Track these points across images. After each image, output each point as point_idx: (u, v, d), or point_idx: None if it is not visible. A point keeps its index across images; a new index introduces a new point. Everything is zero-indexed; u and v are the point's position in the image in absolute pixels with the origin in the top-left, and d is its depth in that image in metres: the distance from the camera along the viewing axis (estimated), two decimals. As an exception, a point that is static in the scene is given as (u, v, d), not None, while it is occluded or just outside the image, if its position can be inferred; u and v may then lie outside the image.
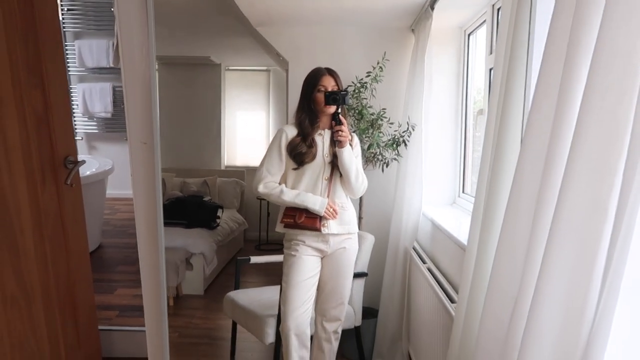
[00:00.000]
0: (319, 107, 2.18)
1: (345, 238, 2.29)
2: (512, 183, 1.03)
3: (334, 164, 2.22)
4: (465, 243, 2.05)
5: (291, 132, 2.23)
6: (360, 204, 3.16)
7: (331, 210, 2.20)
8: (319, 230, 2.19)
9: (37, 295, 2.05)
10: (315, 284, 2.29)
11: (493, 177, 1.22)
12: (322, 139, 2.23)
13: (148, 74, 1.28)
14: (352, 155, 2.20)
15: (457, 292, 2.18)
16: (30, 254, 2.00)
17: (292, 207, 2.21)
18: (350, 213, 2.31)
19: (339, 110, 2.15)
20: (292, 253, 2.25)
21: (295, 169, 2.22)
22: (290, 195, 2.19)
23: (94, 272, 2.45)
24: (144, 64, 1.25)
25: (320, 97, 2.17)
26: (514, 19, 1.24)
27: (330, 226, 2.23)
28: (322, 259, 2.31)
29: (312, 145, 2.18)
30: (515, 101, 1.20)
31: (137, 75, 1.25)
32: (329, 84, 2.18)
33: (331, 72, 2.23)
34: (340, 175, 2.23)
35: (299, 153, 2.17)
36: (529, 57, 1.20)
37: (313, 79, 2.21)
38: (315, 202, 2.18)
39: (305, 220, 2.18)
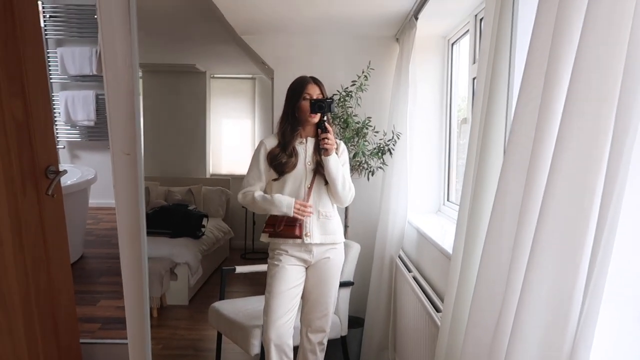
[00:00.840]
0: (304, 116, 2.18)
1: (329, 248, 2.27)
2: (496, 191, 1.04)
3: (317, 172, 2.20)
4: (451, 251, 2.06)
5: (270, 143, 2.24)
6: (345, 212, 3.16)
7: (301, 208, 2.16)
8: (298, 238, 2.18)
9: (16, 307, 2.01)
10: (299, 295, 2.27)
11: (477, 186, 1.22)
12: (305, 147, 2.23)
13: (131, 83, 1.27)
14: (338, 163, 2.18)
15: (442, 301, 2.18)
16: (10, 265, 1.96)
17: (273, 215, 2.20)
18: (335, 222, 2.29)
19: (325, 118, 2.15)
20: (275, 263, 2.23)
21: (275, 179, 2.22)
22: (259, 201, 2.19)
23: (76, 283, 2.41)
24: (127, 73, 1.24)
25: (306, 105, 2.16)
26: (496, 28, 1.25)
27: (313, 235, 2.22)
28: (306, 269, 2.29)
29: (292, 154, 2.18)
30: (498, 110, 1.21)
31: (120, 85, 1.24)
32: (314, 92, 2.19)
33: (316, 81, 2.24)
34: (326, 183, 2.21)
35: (278, 163, 2.18)
36: (511, 67, 1.22)
37: (298, 87, 2.20)
38: (281, 204, 2.15)
39: (285, 228, 2.17)
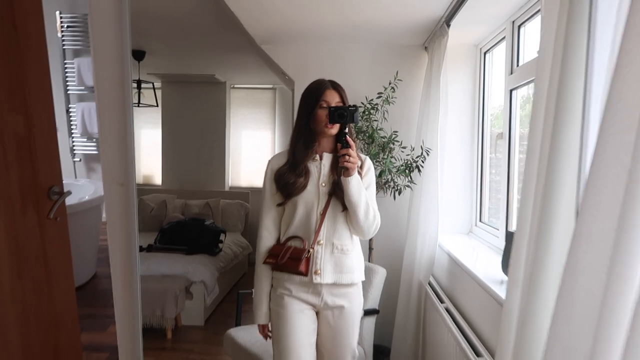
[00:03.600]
0: (320, 127, 1.79)
1: (344, 291, 1.84)
2: (574, 237, 0.82)
3: (333, 195, 1.81)
4: (493, 287, 1.83)
5: (278, 161, 1.88)
6: (370, 233, 2.95)
7: (261, 333, 1.93)
8: (303, 274, 1.78)
9: (13, 339, 1.85)
10: (313, 344, 1.88)
11: (542, 225, 1.00)
12: (319, 164, 1.84)
13: (125, 106, 1.10)
14: (360, 185, 1.77)
15: (482, 342, 1.95)
16: (6, 294, 1.80)
17: (279, 244, 1.87)
18: (353, 258, 1.86)
19: (346, 130, 1.75)
20: (278, 308, 1.84)
21: (280, 204, 1.85)
22: (256, 274, 1.90)
23: (86, 306, 2.25)
24: (120, 96, 1.07)
25: (323, 114, 1.77)
26: (564, 22, 1.02)
27: (325, 273, 1.80)
28: (317, 312, 1.89)
29: (302, 173, 1.80)
30: (569, 121, 0.97)
31: (113, 108, 1.07)
32: (332, 99, 1.80)
33: (335, 86, 1.85)
34: (344, 209, 1.81)
35: (285, 184, 1.80)
36: (588, 74, 0.98)
37: (314, 94, 1.81)
38: (255, 307, 1.88)
39: (289, 262, 1.78)
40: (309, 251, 1.78)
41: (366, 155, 2.87)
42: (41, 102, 1.87)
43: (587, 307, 0.79)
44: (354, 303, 1.88)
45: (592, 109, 0.96)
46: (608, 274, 0.74)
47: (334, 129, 1.78)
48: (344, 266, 1.83)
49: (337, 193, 1.80)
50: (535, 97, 1.12)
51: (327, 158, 1.85)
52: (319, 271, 1.80)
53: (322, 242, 1.81)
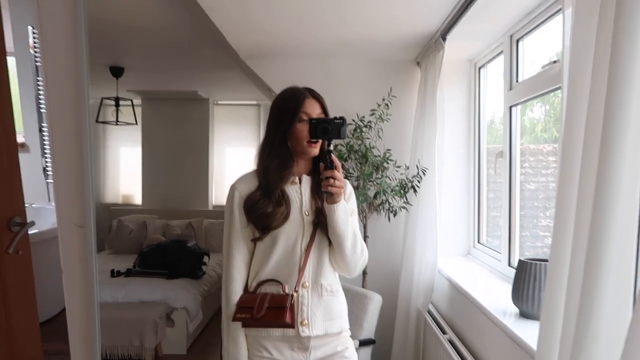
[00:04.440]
0: (300, 146, 1.48)
1: (334, 342, 1.53)
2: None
3: (319, 226, 1.50)
4: (504, 322, 1.68)
5: (247, 186, 1.51)
6: (363, 257, 2.78)
7: None
8: (290, 327, 1.43)
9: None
10: None
11: (592, 257, 0.83)
12: (299, 189, 1.52)
13: (82, 136, 0.93)
14: (347, 213, 1.47)
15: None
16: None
17: (249, 293, 1.49)
18: (342, 300, 1.57)
19: (331, 148, 1.44)
20: None
21: (256, 239, 1.50)
22: (224, 329, 1.50)
23: (56, 340, 2.02)
24: (77, 125, 0.91)
25: (304, 129, 1.46)
26: (609, 17, 0.88)
27: (313, 323, 1.47)
28: None
29: (281, 201, 1.47)
30: (624, 140, 0.82)
31: (67, 138, 0.90)
32: (313, 110, 1.49)
33: (315, 95, 1.53)
34: (331, 242, 1.51)
35: (260, 215, 1.45)
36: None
37: (291, 105, 1.49)
38: None
39: (268, 314, 1.40)
40: (292, 296, 1.44)
41: (355, 175, 2.73)
42: (1, 124, 1.68)
43: None
44: (349, 350, 1.55)
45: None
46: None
47: (317, 148, 1.48)
48: (334, 312, 1.52)
49: (323, 223, 1.48)
50: (569, 107, 0.98)
51: (306, 181, 1.54)
52: (306, 321, 1.46)
53: (307, 284, 1.49)
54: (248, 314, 1.41)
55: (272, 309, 1.41)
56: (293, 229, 1.48)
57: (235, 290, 1.49)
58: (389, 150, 2.79)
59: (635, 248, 0.86)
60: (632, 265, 0.85)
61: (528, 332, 1.52)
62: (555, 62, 1.92)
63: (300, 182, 1.53)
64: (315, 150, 1.49)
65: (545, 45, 2.21)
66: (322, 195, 1.46)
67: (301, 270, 1.47)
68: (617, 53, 0.87)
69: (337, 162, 1.42)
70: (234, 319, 1.44)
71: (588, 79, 0.95)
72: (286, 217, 1.47)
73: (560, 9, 1.87)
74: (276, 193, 1.47)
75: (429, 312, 2.53)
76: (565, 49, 1.24)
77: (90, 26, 3.17)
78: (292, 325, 1.42)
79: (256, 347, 1.49)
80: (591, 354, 0.84)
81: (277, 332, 1.46)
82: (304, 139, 1.47)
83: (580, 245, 0.90)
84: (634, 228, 0.85)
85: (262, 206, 1.45)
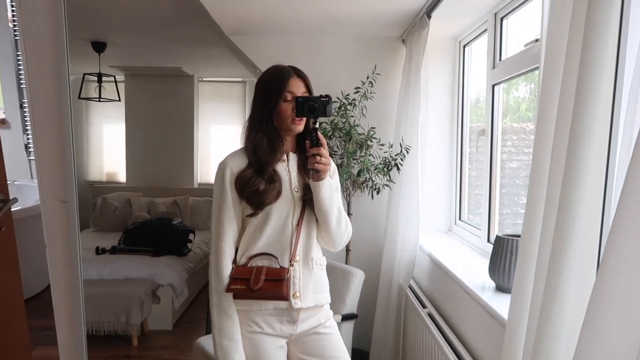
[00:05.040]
0: (285, 124, 1.51)
1: (318, 314, 1.59)
2: (606, 254, 0.70)
3: (307, 202, 1.55)
4: (480, 295, 1.73)
5: (237, 163, 1.54)
6: (347, 234, 2.82)
7: None
8: (284, 299, 1.48)
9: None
10: None
11: (560, 232, 0.86)
12: (287, 166, 1.57)
13: (63, 111, 0.92)
14: (332, 190, 1.52)
15: (468, 351, 1.85)
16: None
17: (244, 260, 1.52)
18: (326, 274, 1.65)
19: (317, 126, 1.47)
20: (250, 355, 1.51)
21: (251, 215, 1.52)
22: (214, 314, 1.50)
23: (42, 317, 2.04)
24: (57, 99, 0.90)
25: (289, 108, 1.50)
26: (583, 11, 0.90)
27: (305, 295, 1.53)
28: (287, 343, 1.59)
29: (273, 178, 1.51)
30: (594, 122, 0.84)
31: (49, 115, 0.90)
32: (298, 89, 1.51)
33: (299, 73, 1.55)
34: (317, 219, 1.56)
35: (254, 191, 1.48)
36: (620, 57, 0.86)
37: (276, 83, 1.51)
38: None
39: (265, 285, 1.45)
40: (288, 270, 1.50)
41: (341, 153, 2.75)
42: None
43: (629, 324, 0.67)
44: (330, 321, 1.62)
45: (626, 98, 0.84)
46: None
47: (301, 125, 1.53)
48: (323, 284, 1.60)
49: (311, 200, 1.53)
50: (543, 87, 1.00)
51: (293, 159, 1.58)
52: (298, 294, 1.52)
53: (298, 258, 1.54)
54: (244, 285, 1.45)
55: (270, 281, 1.45)
56: (285, 206, 1.53)
57: (226, 265, 1.51)
58: (373, 128, 2.81)
59: (600, 225, 0.89)
60: (596, 241, 0.89)
61: (502, 305, 1.57)
62: (537, 40, 1.93)
63: (287, 160, 1.57)
64: (300, 127, 1.53)
65: (529, 24, 2.22)
66: (308, 172, 1.50)
67: (294, 245, 1.52)
68: (590, 33, 0.89)
69: (323, 140, 1.46)
70: (228, 290, 1.47)
71: (562, 60, 0.97)
72: (279, 193, 1.51)
73: (542, -12, 1.88)
74: (268, 171, 1.51)
75: (410, 287, 2.59)
76: (543, 29, 1.26)
77: (70, 0, 3.10)
78: (287, 297, 1.47)
79: (247, 322, 1.51)
80: (557, 322, 0.88)
81: (269, 305, 1.50)
82: (288, 117, 1.50)
83: (550, 221, 0.94)
84: (599, 205, 0.89)
85: (255, 183, 1.48)
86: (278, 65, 1.57)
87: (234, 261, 1.54)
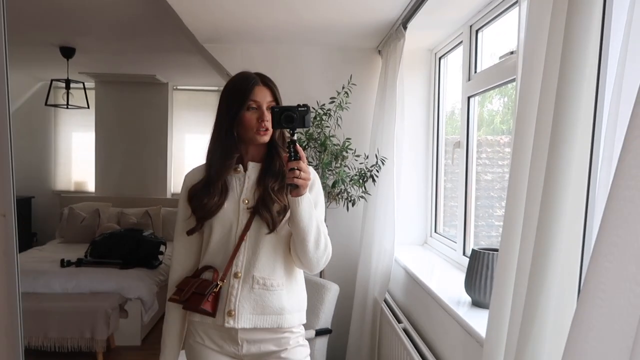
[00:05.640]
0: (250, 134, 1.43)
1: (271, 337, 1.45)
2: (589, 272, 0.66)
3: (257, 214, 1.44)
4: (457, 311, 1.69)
5: (193, 177, 1.51)
6: (322, 246, 2.76)
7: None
8: (209, 314, 1.41)
9: None
10: None
11: (539, 246, 0.82)
12: (243, 177, 1.48)
13: (1, 118, 0.85)
14: (312, 207, 1.39)
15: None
16: None
17: (188, 277, 1.50)
18: (283, 296, 1.46)
19: (295, 138, 1.35)
20: (191, 343, 1.51)
21: (191, 231, 1.47)
22: (163, 327, 1.55)
23: None
24: None
25: (252, 117, 1.42)
26: (562, 9, 0.87)
27: (240, 315, 1.42)
28: None
29: (217, 192, 1.44)
30: (575, 131, 0.81)
31: None
32: (263, 98, 1.43)
33: (266, 81, 1.47)
34: (270, 230, 1.43)
35: (196, 206, 1.45)
36: (602, 66, 0.83)
37: (240, 92, 1.43)
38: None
39: (191, 297, 1.41)
40: (217, 284, 1.41)
41: (316, 164, 2.70)
42: None
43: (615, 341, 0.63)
44: (291, 351, 1.46)
45: (607, 109, 0.81)
46: None
47: (267, 136, 1.43)
48: (268, 306, 1.43)
49: (261, 211, 1.42)
50: (521, 99, 0.97)
51: (253, 168, 1.48)
52: (233, 312, 1.41)
53: (239, 274, 1.43)
54: (177, 296, 1.45)
55: (195, 294, 1.41)
56: (228, 218, 1.45)
57: (174, 279, 1.53)
58: (349, 139, 2.77)
59: (582, 240, 0.86)
60: (578, 256, 0.85)
61: (479, 321, 1.53)
62: (512, 53, 1.93)
63: (246, 170, 1.49)
64: (265, 137, 1.44)
65: (504, 37, 2.23)
66: (268, 183, 1.43)
67: (231, 258, 1.44)
68: (569, 47, 0.86)
69: (302, 153, 1.35)
70: (169, 299, 1.49)
71: (540, 71, 0.94)
72: (218, 207, 1.44)
73: (517, 1, 1.88)
74: (218, 184, 1.44)
75: (386, 301, 2.55)
76: (520, 41, 1.24)
77: (38, 3, 2.98)
78: (211, 313, 1.40)
79: (192, 330, 1.50)
80: (537, 342, 0.84)
81: (208, 319, 1.44)
82: (253, 127, 1.42)
83: (529, 236, 0.90)
84: (580, 220, 0.85)
85: (199, 197, 1.45)
86: (244, 72, 1.49)
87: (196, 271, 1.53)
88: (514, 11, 2.06)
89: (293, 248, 1.45)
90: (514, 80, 1.92)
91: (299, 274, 1.55)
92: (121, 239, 4.22)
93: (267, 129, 1.42)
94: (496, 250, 1.68)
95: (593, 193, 0.88)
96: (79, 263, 3.98)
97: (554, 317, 0.84)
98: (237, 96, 1.43)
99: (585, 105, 0.83)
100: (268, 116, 1.41)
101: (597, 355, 0.66)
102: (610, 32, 0.87)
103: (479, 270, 1.67)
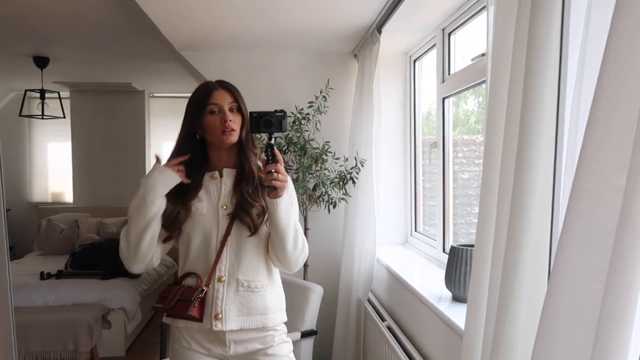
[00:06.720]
0: (215, 137, 1.46)
1: (256, 336, 1.50)
2: (555, 263, 0.71)
3: (237, 218, 1.47)
4: (437, 306, 1.74)
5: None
6: (305, 249, 2.79)
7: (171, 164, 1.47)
8: (196, 320, 1.43)
9: None
10: None
11: (512, 240, 0.87)
12: (219, 183, 1.51)
13: None
14: (290, 208, 1.45)
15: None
16: None
17: (171, 284, 1.50)
18: (268, 297, 1.51)
19: (273, 142, 1.42)
20: (176, 347, 1.51)
21: (166, 239, 1.49)
22: (129, 212, 1.48)
23: None
24: None
25: (214, 120, 1.45)
26: (526, 13, 0.92)
27: (227, 317, 1.45)
28: None
29: (190, 198, 1.48)
30: (540, 130, 0.86)
31: None
32: (223, 101, 1.46)
33: (225, 85, 1.51)
34: (251, 233, 1.47)
35: (175, 217, 1.46)
36: (562, 68, 0.88)
37: (199, 98, 1.48)
38: (146, 180, 1.45)
39: (177, 305, 1.42)
40: (202, 290, 1.44)
41: (296, 168, 2.73)
42: None
43: (581, 327, 0.67)
44: (277, 347, 1.51)
45: (569, 108, 0.86)
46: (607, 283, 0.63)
47: (234, 136, 1.46)
48: (253, 307, 1.48)
49: (240, 215, 1.46)
50: (490, 100, 1.02)
51: (228, 175, 1.52)
52: (221, 315, 1.44)
53: (224, 278, 1.46)
54: (162, 304, 1.44)
55: (181, 302, 1.42)
56: (207, 224, 1.48)
57: (139, 259, 1.49)
58: (328, 142, 2.81)
59: (549, 233, 0.91)
60: (546, 249, 0.90)
61: (459, 315, 1.58)
62: (483, 55, 1.99)
63: (221, 176, 1.52)
64: (233, 138, 1.47)
65: (476, 39, 2.30)
66: (244, 187, 1.46)
67: (214, 263, 1.46)
68: (533, 47, 0.91)
69: (280, 156, 1.40)
70: (152, 307, 1.50)
71: (507, 73, 0.99)
72: (186, 215, 1.47)
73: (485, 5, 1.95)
74: (189, 192, 1.47)
75: (369, 301, 2.59)
76: (489, 43, 1.29)
77: (9, 12, 2.94)
78: (199, 319, 1.43)
79: (176, 334, 1.50)
80: (512, 332, 0.89)
81: (194, 324, 1.45)
82: (217, 128, 1.45)
83: (502, 231, 0.95)
84: (547, 215, 0.90)
85: (170, 206, 1.45)
86: (205, 82, 1.55)
87: (176, 278, 1.53)
88: (484, 14, 2.13)
89: (272, 249, 1.50)
90: (484, 81, 1.99)
91: (278, 274, 1.60)
92: (101, 249, 4.17)
93: (232, 129, 1.46)
94: (472, 246, 1.73)
95: (558, 188, 0.93)
96: (59, 275, 3.93)
97: (526, 307, 0.89)
98: (198, 102, 1.48)
99: (549, 106, 0.88)
100: (231, 117, 1.46)
101: (566, 339, 0.70)
102: (569, 36, 0.92)
103: (458, 266, 1.72)
